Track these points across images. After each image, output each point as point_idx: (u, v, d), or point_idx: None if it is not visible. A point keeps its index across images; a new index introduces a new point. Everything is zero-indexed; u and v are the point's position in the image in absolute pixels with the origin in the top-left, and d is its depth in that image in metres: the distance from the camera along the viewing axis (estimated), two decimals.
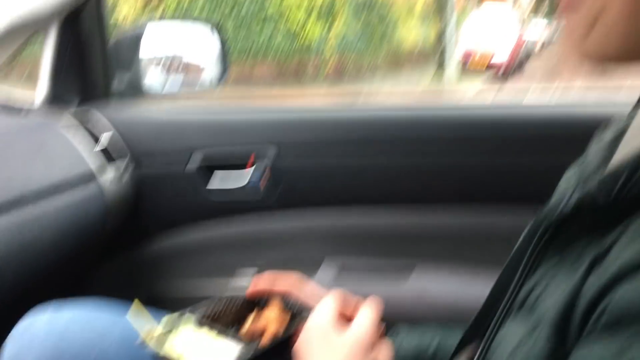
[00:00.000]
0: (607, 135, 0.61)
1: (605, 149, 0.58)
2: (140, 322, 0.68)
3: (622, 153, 0.52)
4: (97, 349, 0.71)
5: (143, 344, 0.65)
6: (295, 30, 10.76)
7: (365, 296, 1.21)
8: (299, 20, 10.69)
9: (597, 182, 0.45)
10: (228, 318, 0.77)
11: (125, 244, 1.47)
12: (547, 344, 0.43)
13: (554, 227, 0.51)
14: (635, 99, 0.61)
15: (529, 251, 0.54)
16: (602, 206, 0.44)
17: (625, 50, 0.43)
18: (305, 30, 10.81)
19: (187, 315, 0.70)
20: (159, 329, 0.68)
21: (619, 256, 0.40)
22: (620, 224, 0.42)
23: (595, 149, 0.61)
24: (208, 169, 1.38)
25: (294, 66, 10.98)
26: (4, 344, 0.74)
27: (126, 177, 1.34)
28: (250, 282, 0.79)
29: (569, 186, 0.62)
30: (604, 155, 0.57)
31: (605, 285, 0.39)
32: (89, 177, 1.23)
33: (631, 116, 0.58)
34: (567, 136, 1.20)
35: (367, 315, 0.68)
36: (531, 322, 0.48)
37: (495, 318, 0.55)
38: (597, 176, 0.50)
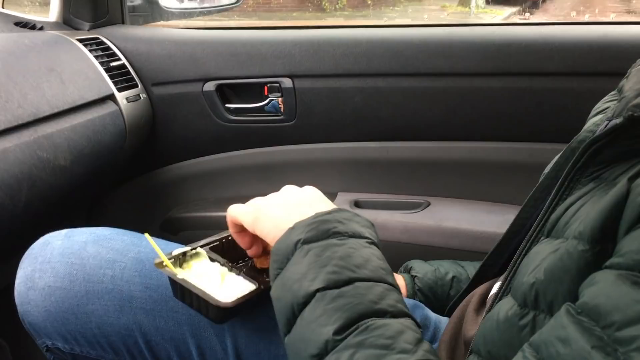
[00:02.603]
0: None
1: None
2: (156, 246, 0.68)
3: None
4: (111, 270, 0.71)
5: (159, 266, 0.65)
6: None
7: (382, 225, 1.22)
8: None
9: None
10: (240, 251, 0.76)
11: (143, 169, 1.47)
12: (580, 252, 0.43)
13: (593, 150, 0.51)
14: None
15: (561, 178, 0.54)
16: None
17: None
18: None
19: (199, 249, 0.70)
20: (175, 253, 0.68)
21: None
22: None
23: (636, 76, 0.60)
24: (223, 95, 1.36)
25: None
26: (19, 264, 0.75)
27: (143, 99, 1.32)
28: None
29: (604, 115, 0.62)
30: None
31: None
32: (106, 96, 1.21)
33: None
34: (608, 63, 1.15)
35: None
36: (558, 242, 0.48)
37: (522, 245, 0.56)
38: None
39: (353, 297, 0.49)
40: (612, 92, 0.70)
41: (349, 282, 0.51)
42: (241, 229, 0.66)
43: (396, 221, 1.21)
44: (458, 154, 1.28)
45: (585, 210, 0.48)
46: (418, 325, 0.50)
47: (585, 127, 0.65)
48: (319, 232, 0.56)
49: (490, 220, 1.17)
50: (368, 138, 1.32)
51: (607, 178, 0.49)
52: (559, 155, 0.64)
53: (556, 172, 0.61)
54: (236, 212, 0.64)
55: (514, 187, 1.21)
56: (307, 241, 0.55)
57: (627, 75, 0.66)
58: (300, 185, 0.67)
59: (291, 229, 0.57)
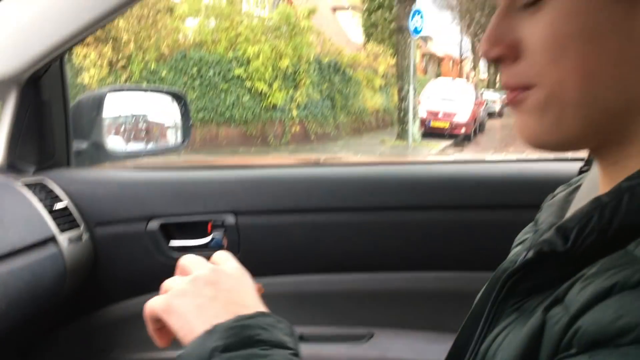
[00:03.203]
0: (559, 196, 0.66)
1: (559, 208, 0.63)
2: None
3: (576, 207, 0.55)
4: None
5: None
6: (261, 92, 10.94)
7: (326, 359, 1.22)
8: (263, 88, 10.88)
9: (555, 229, 0.48)
10: None
11: (84, 310, 1.43)
12: None
13: (511, 283, 0.53)
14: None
15: (487, 308, 0.55)
16: (561, 253, 0.47)
17: (563, 143, 0.49)
18: (270, 95, 11.01)
19: None
20: None
21: (580, 293, 0.42)
22: (573, 276, 0.45)
23: (547, 210, 0.65)
24: (167, 233, 1.38)
25: (259, 130, 11.12)
26: None
27: (85, 239, 1.33)
28: None
29: (524, 247, 0.66)
30: (559, 213, 0.62)
31: (574, 316, 0.41)
32: (46, 240, 1.21)
33: (582, 176, 0.65)
34: (526, 197, 1.24)
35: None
36: None
37: None
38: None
39: None
40: (531, 224, 0.76)
41: None
42: (161, 325, 0.61)
43: (341, 355, 1.21)
44: (397, 285, 1.32)
45: (508, 341, 0.49)
46: None
47: (509, 257, 0.70)
48: (240, 339, 0.52)
49: (432, 350, 1.19)
50: (310, 271, 1.35)
51: (527, 309, 0.51)
52: (487, 284, 0.67)
53: (483, 301, 0.64)
54: (150, 304, 0.60)
55: (454, 315, 1.24)
56: (226, 349, 0.51)
57: (540, 208, 0.72)
58: None
59: (208, 333, 0.53)
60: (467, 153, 12.47)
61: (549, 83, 0.47)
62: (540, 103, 0.48)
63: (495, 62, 0.50)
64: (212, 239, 1.36)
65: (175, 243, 1.37)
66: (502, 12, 0.49)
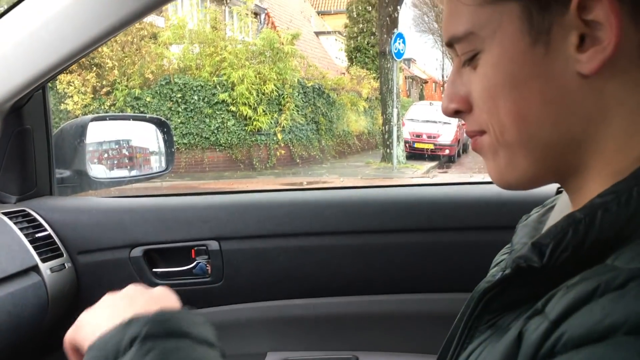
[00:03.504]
0: (533, 217, 0.68)
1: (532, 229, 0.65)
2: None
3: (550, 226, 0.57)
4: None
5: None
6: (245, 116, 10.97)
7: None
8: (248, 113, 10.92)
9: (530, 245, 0.49)
10: None
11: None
12: None
13: (487, 299, 0.54)
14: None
15: (461, 326, 0.57)
16: (537, 269, 0.48)
17: (524, 180, 0.53)
18: (254, 119, 11.04)
19: None
20: None
21: (561, 300, 0.42)
22: (549, 291, 0.45)
23: (522, 231, 0.67)
24: (151, 260, 1.37)
25: (244, 154, 11.14)
26: None
27: (67, 268, 1.32)
28: None
29: (500, 267, 0.68)
30: (532, 233, 0.64)
31: (555, 321, 0.41)
32: (28, 269, 1.20)
33: (556, 197, 0.67)
34: (507, 218, 1.26)
35: None
36: None
37: None
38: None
39: None
40: (507, 245, 0.78)
41: None
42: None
43: None
44: (381, 307, 1.32)
45: (483, 357, 0.51)
46: None
47: (485, 278, 0.71)
48: (164, 329, 0.50)
49: None
50: (294, 295, 1.35)
51: (501, 325, 0.53)
52: (465, 304, 0.69)
53: (460, 321, 0.66)
54: (66, 336, 0.58)
55: (437, 337, 1.25)
56: (149, 336, 0.49)
57: (515, 229, 0.74)
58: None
59: (127, 323, 0.51)
60: (452, 174, 12.56)
61: (493, 129, 0.52)
62: (492, 146, 0.53)
63: (455, 115, 0.56)
64: (196, 265, 1.36)
65: (159, 270, 1.37)
66: (454, 70, 0.55)
